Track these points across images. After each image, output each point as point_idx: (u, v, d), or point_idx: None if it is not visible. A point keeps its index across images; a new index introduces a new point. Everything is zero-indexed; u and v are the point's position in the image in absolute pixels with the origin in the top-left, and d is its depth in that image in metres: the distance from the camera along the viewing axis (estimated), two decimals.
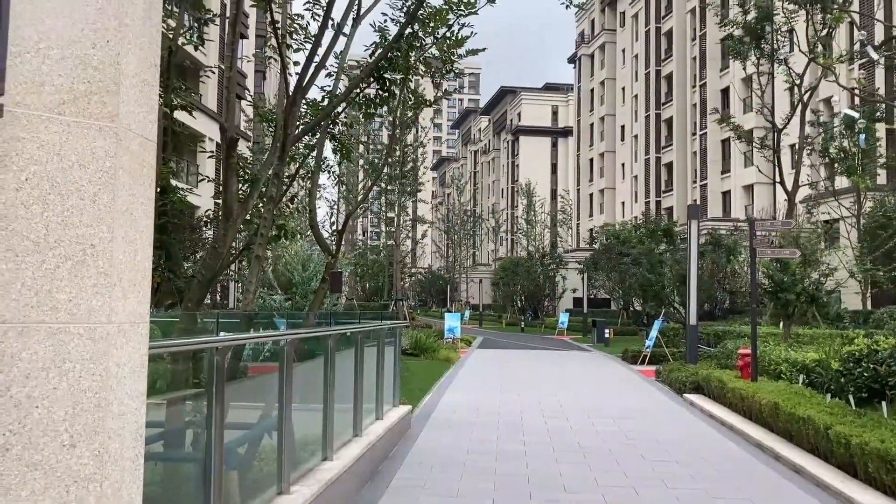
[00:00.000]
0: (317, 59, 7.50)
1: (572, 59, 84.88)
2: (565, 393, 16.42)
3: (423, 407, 13.74)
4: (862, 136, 27.40)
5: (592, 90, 78.19)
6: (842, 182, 33.78)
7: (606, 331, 34.24)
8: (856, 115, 26.08)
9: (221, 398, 4.95)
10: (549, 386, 17.89)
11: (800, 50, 28.86)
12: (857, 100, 34.38)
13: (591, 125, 78.17)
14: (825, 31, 27.91)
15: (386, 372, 10.98)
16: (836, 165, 31.63)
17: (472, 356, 26.25)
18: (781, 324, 20.51)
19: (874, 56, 20.50)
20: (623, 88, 71.64)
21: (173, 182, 9.81)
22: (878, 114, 30.15)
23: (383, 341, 10.94)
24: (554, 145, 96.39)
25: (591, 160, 77.96)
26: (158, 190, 8.66)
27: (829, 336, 19.61)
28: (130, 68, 2.67)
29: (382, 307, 44.85)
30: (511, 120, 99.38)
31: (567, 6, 8.02)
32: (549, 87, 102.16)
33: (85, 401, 2.36)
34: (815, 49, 28.18)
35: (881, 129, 33.84)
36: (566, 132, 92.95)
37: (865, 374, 10.94)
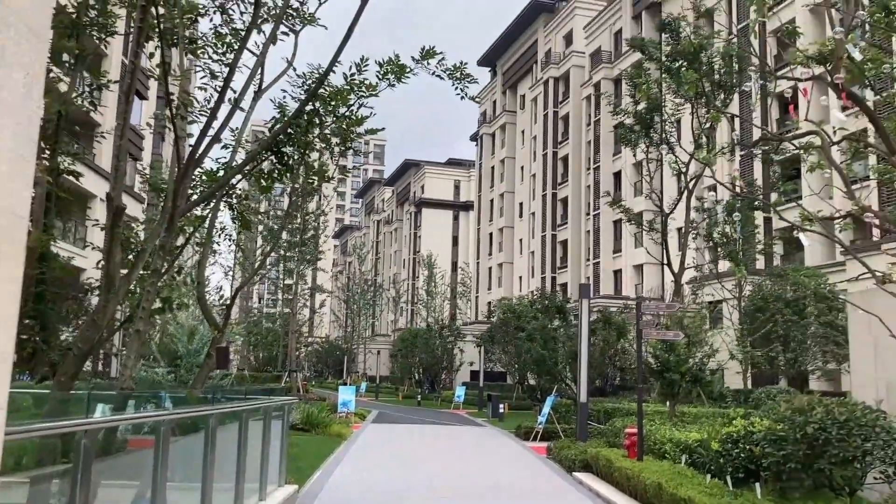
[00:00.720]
0: (212, 131, 7.45)
1: (475, 137, 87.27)
2: (457, 471, 16.28)
3: (310, 486, 13.32)
4: (739, 227, 29.08)
5: (493, 167, 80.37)
6: (725, 265, 35.58)
7: (501, 406, 34.35)
8: (717, 208, 27.76)
9: (88, 483, 4.68)
10: (441, 464, 17.71)
11: (680, 146, 30.54)
12: (737, 189, 36.50)
13: (492, 201, 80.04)
14: (707, 125, 29.77)
15: (272, 449, 10.65)
16: (719, 250, 33.33)
17: (366, 431, 25.78)
18: (668, 402, 21.13)
19: (740, 155, 22.06)
20: (522, 167, 73.96)
21: (55, 247, 9.40)
22: (756, 203, 32.13)
23: (270, 416, 10.63)
24: (456, 218, 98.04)
25: (491, 234, 79.51)
26: (38, 257, 8.28)
27: (713, 415, 20.31)
28: (5, 143, 2.58)
29: (275, 378, 43.66)
30: (414, 192, 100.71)
31: (462, 98, 8.29)
32: (452, 162, 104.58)
33: None
34: (700, 140, 29.98)
35: (759, 218, 36.02)
36: (468, 206, 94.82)
37: (742, 455, 11.38)
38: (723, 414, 19.75)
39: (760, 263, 37.88)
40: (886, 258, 12.86)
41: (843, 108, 23.98)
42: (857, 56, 9.33)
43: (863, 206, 8.62)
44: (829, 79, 9.25)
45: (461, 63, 8.31)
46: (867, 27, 9.43)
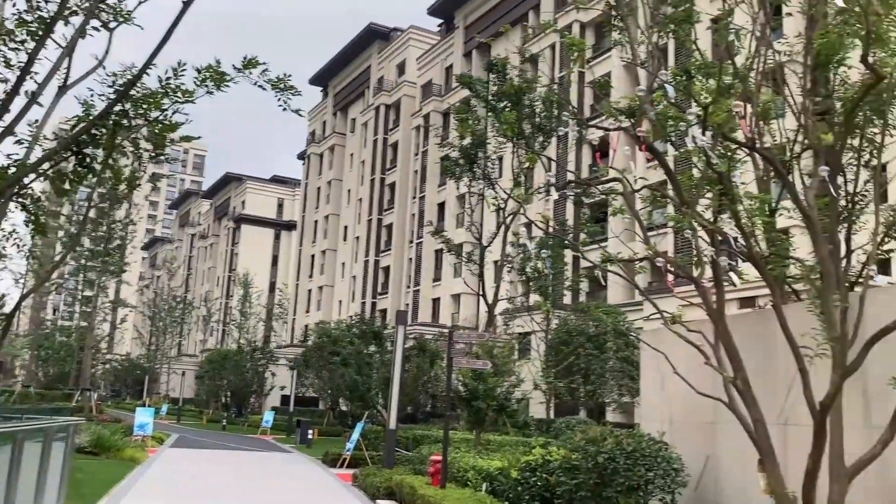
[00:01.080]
0: (2, 124, 6.77)
1: (302, 156, 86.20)
2: (256, 499, 15.70)
3: None
4: (549, 263, 30.57)
5: (319, 188, 79.64)
6: (536, 298, 37.19)
7: (311, 431, 33.71)
8: (529, 243, 29.15)
9: None
10: (240, 491, 17.03)
11: (498, 186, 31.63)
12: (548, 228, 38.35)
13: (316, 222, 79.16)
14: (526, 165, 31.17)
15: (51, 475, 9.76)
16: (530, 284, 34.83)
17: (162, 456, 24.35)
18: (475, 430, 21.62)
19: (555, 195, 23.34)
20: (349, 191, 73.84)
21: None
22: (566, 241, 33.96)
23: (52, 438, 9.75)
24: (277, 237, 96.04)
25: (313, 256, 78.52)
26: None
27: (516, 443, 21.04)
28: None
29: (66, 397, 40.35)
30: (234, 207, 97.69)
31: (285, 109, 8.12)
32: (277, 180, 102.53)
33: None
34: (519, 179, 31.33)
35: (569, 256, 38.06)
36: (290, 226, 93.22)
37: (539, 484, 11.80)
38: (525, 443, 20.50)
39: (569, 299, 39.97)
40: (677, 301, 13.91)
41: (648, 160, 25.92)
42: (658, 112, 10.11)
43: (655, 251, 9.29)
44: (633, 131, 9.94)
45: (285, 75, 8.15)
46: (671, 87, 10.23)
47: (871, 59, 8.68)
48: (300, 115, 9.04)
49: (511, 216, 31.65)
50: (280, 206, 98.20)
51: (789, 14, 12.97)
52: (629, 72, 41.21)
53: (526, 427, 28.47)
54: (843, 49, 11.22)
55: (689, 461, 11.24)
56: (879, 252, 12.24)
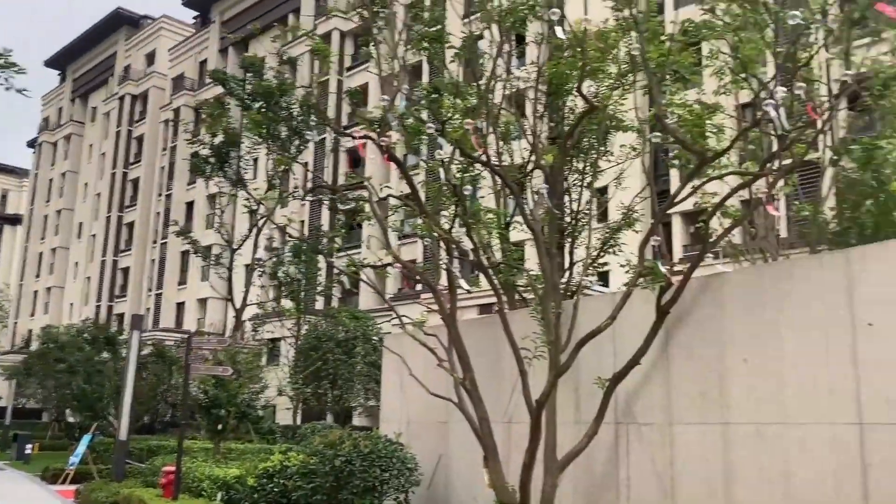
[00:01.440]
0: None
1: (32, 144, 78.21)
2: None
3: None
4: (302, 268, 30.44)
5: (51, 180, 72.70)
6: (288, 303, 36.68)
7: (29, 446, 30.58)
8: (261, 252, 28.91)
9: None
10: None
11: (247, 191, 30.75)
12: (293, 232, 37.99)
13: (46, 217, 72.14)
14: (282, 168, 30.72)
15: None
16: (282, 288, 34.33)
17: None
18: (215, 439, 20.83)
19: (310, 198, 23.31)
20: (86, 184, 68.20)
21: None
22: (321, 247, 33.89)
23: None
24: None
25: (41, 254, 71.46)
26: None
27: (259, 451, 20.63)
28: None
29: None
30: None
31: (8, 89, 7.35)
32: (2, 169, 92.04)
33: None
34: (273, 181, 30.77)
35: (323, 261, 38.02)
36: (15, 220, 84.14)
37: (276, 490, 11.65)
38: (268, 450, 20.15)
39: (320, 305, 39.89)
40: (422, 307, 14.43)
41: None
42: (406, 125, 10.48)
43: (396, 257, 9.61)
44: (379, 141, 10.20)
45: (6, 50, 7.38)
46: (403, 102, 10.60)
47: (587, 90, 9.65)
48: (25, 94, 8.23)
49: (263, 219, 30.99)
50: (4, 197, 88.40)
51: (527, 44, 14.01)
52: (385, 84, 42.31)
53: (271, 434, 27.95)
54: (570, 79, 12.37)
55: (423, 460, 11.70)
56: (595, 264, 13.64)
